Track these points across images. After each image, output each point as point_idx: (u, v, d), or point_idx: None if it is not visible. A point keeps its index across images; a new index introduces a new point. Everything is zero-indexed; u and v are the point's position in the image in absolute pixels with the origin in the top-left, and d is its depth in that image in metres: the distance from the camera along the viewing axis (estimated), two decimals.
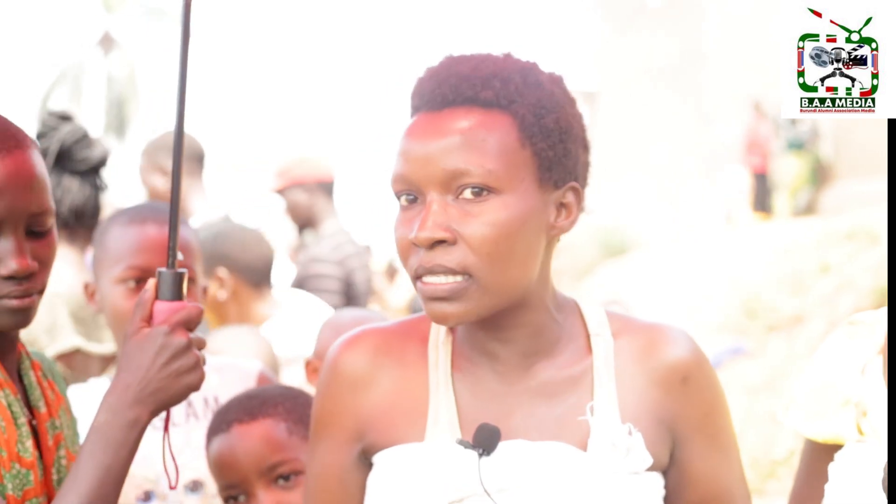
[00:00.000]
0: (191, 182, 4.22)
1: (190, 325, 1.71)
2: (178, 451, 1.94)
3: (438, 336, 1.72)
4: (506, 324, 1.66)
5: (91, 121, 29.69)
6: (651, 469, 1.66)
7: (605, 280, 13.61)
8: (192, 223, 4.15)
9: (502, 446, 1.62)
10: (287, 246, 8.49)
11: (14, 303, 1.72)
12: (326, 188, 4.91)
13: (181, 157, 1.73)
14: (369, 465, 1.70)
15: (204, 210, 4.21)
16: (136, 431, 1.68)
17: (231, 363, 2.51)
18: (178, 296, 1.71)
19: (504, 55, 1.66)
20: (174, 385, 1.69)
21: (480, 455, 1.61)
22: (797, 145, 15.96)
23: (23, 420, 1.75)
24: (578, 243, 15.04)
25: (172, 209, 1.73)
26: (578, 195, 1.67)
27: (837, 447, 1.65)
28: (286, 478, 2.09)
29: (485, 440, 1.61)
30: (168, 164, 4.20)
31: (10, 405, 1.73)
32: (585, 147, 1.69)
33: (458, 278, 1.58)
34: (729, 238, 13.36)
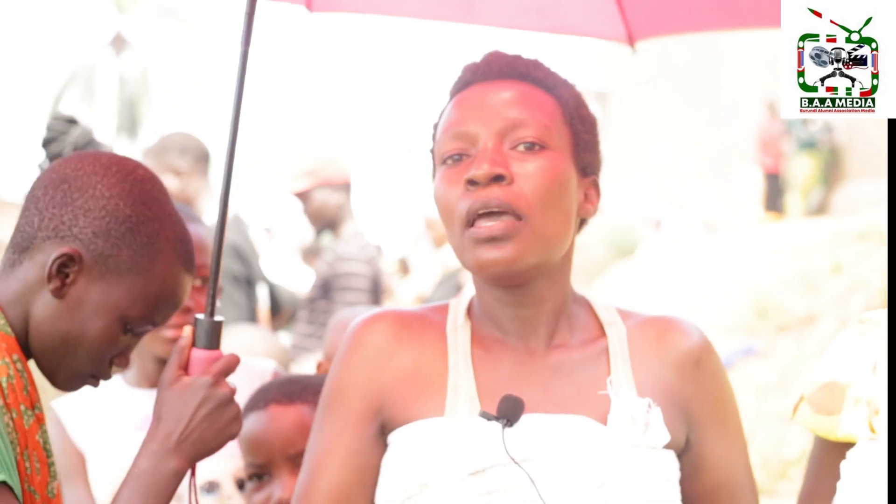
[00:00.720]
0: (199, 182, 4.23)
1: (229, 374, 1.72)
2: None
3: (457, 320, 1.75)
4: (531, 299, 1.70)
5: (103, 121, 29.78)
6: (667, 448, 1.68)
7: (616, 280, 13.60)
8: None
9: (524, 419, 1.64)
10: (301, 248, 8.48)
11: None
12: (348, 189, 4.92)
13: (226, 214, 1.77)
14: (384, 447, 1.70)
15: (213, 210, 4.22)
16: (177, 481, 1.67)
17: (245, 363, 2.51)
18: (215, 344, 1.73)
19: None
20: (215, 436, 1.69)
21: (504, 426, 1.62)
22: (809, 145, 15.93)
23: (52, 459, 1.72)
24: (589, 243, 15.04)
25: (215, 255, 1.77)
26: (597, 191, 1.77)
27: (848, 445, 1.65)
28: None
29: (508, 411, 1.63)
30: (177, 163, 4.22)
31: (45, 443, 1.70)
32: (601, 154, 1.80)
33: (512, 219, 1.63)
34: (740, 238, 13.33)
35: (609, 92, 20.24)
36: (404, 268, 11.80)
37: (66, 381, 1.72)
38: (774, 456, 8.09)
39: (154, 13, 31.22)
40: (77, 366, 1.70)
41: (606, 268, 14.56)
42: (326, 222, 4.93)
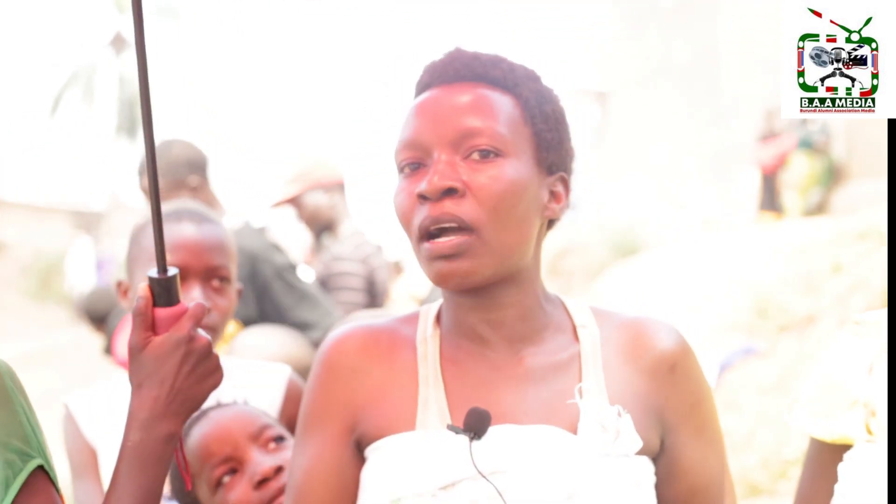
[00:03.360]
0: (209, 193, 4.23)
1: (199, 324, 1.69)
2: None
3: (426, 329, 1.75)
4: (496, 303, 1.70)
5: (103, 121, 29.79)
6: (641, 454, 1.67)
7: (616, 280, 13.60)
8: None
9: (492, 430, 1.64)
10: (303, 251, 8.48)
11: None
12: (342, 189, 4.92)
13: (154, 159, 1.75)
14: (362, 460, 1.71)
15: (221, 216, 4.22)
16: (172, 445, 1.65)
17: (260, 365, 2.50)
18: (175, 299, 1.68)
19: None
20: (200, 390, 1.67)
21: (471, 439, 1.62)
22: (808, 145, 15.93)
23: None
24: (590, 244, 15.04)
25: (154, 212, 1.72)
26: (567, 186, 1.74)
27: (845, 447, 1.65)
28: (277, 440, 2.10)
29: (475, 424, 1.63)
30: (190, 179, 4.23)
31: None
32: (573, 149, 1.77)
33: (463, 234, 1.62)
34: (740, 238, 13.33)
35: (609, 92, 20.25)
36: (398, 268, 11.80)
37: None
38: (774, 456, 8.09)
39: (154, 13, 31.21)
40: None
41: (606, 268, 14.56)
42: (323, 225, 4.92)
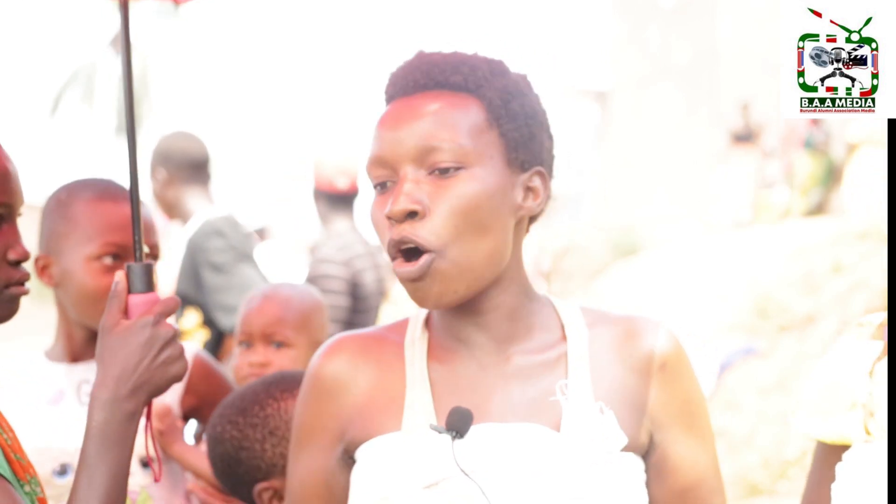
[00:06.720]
0: (191, 187, 4.25)
1: (169, 315, 1.74)
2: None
3: (415, 333, 1.76)
4: (481, 307, 1.70)
5: (103, 121, 29.77)
6: (629, 451, 1.67)
7: (616, 281, 13.60)
8: (192, 222, 4.19)
9: (475, 429, 1.64)
10: (307, 246, 8.49)
11: (19, 290, 1.74)
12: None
13: (135, 146, 1.79)
14: (352, 464, 1.73)
15: (206, 212, 4.22)
16: (135, 423, 1.69)
17: None
18: (149, 287, 1.75)
19: (473, 52, 1.74)
20: (162, 375, 1.71)
21: (453, 438, 1.63)
22: (810, 145, 15.93)
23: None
24: (590, 244, 15.04)
25: (133, 203, 1.79)
26: (545, 180, 1.72)
27: (846, 448, 1.65)
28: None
29: (457, 423, 1.64)
30: (163, 168, 4.25)
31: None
32: (550, 137, 1.75)
33: (424, 258, 1.62)
34: (741, 238, 13.33)
35: (609, 92, 20.25)
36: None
37: None
38: (775, 456, 8.09)
39: (154, 12, 31.17)
40: None
41: (606, 268, 14.56)
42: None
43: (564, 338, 1.73)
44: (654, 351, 1.72)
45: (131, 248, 2.25)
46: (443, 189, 1.64)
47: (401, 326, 1.79)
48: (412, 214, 1.63)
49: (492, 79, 1.70)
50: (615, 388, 1.70)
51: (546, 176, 1.73)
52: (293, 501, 1.78)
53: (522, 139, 1.69)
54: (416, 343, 1.74)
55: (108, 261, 2.27)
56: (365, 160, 1.71)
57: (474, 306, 1.70)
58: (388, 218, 1.65)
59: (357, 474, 1.70)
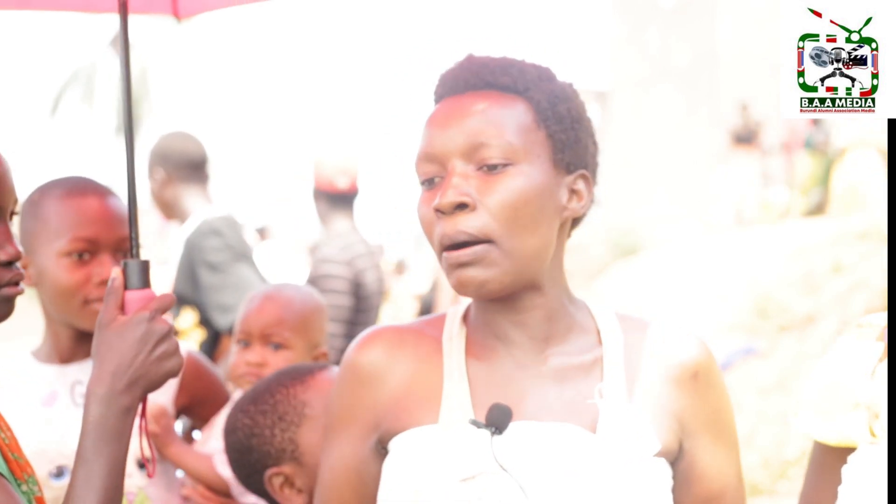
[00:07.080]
0: (189, 187, 4.25)
1: (165, 311, 1.75)
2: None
3: (453, 328, 1.77)
4: (521, 306, 1.72)
5: (103, 121, 29.78)
6: (659, 456, 1.69)
7: (616, 280, 13.61)
8: (190, 222, 4.20)
9: (513, 426, 1.66)
10: (307, 246, 8.49)
11: (13, 290, 1.70)
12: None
13: (133, 147, 1.81)
14: (384, 454, 1.73)
15: (204, 212, 4.22)
16: (132, 417, 1.69)
17: None
18: (145, 284, 1.78)
19: (522, 58, 1.77)
20: (158, 370, 1.71)
21: (493, 433, 1.64)
22: (810, 145, 15.93)
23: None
24: (590, 244, 15.04)
25: (130, 200, 1.82)
26: (588, 183, 1.75)
27: (848, 450, 1.65)
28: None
29: (497, 419, 1.65)
30: (161, 168, 4.25)
31: None
32: (595, 143, 1.78)
33: (480, 245, 1.64)
34: (741, 238, 13.34)
35: (609, 92, 20.25)
36: (400, 268, 11.81)
37: None
38: (774, 456, 8.09)
39: (155, 26, 31.20)
40: None
41: (606, 268, 14.57)
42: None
43: (600, 342, 1.75)
44: (688, 360, 1.75)
45: (102, 242, 2.26)
46: (491, 184, 1.66)
47: (438, 322, 1.80)
48: (461, 207, 1.65)
49: (539, 83, 1.73)
50: (649, 394, 1.72)
51: (590, 179, 1.75)
52: (323, 488, 1.79)
53: (569, 141, 1.71)
54: (454, 338, 1.76)
55: (76, 257, 2.26)
56: (416, 154, 1.74)
57: (515, 304, 1.72)
58: (437, 210, 1.66)
59: (390, 465, 1.71)
